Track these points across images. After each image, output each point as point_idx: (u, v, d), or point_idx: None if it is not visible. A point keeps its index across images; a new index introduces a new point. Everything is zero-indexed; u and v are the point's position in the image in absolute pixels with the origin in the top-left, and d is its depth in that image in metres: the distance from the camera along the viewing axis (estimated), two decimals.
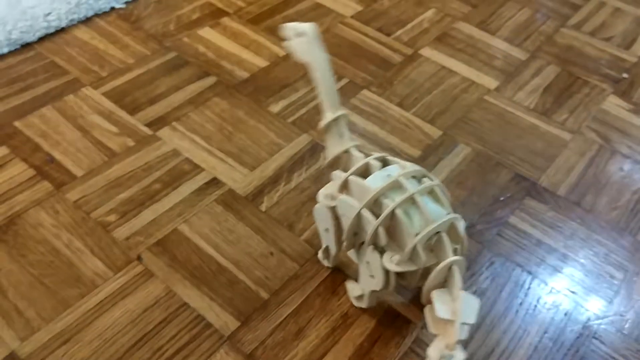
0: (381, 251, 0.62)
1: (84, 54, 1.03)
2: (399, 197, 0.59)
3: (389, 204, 0.59)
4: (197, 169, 0.86)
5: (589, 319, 0.74)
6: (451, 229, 0.61)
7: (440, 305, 0.57)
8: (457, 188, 0.88)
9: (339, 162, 0.68)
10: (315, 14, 1.18)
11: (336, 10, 1.20)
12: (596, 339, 0.72)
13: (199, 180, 0.85)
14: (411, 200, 0.60)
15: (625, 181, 0.92)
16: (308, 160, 0.89)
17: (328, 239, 0.70)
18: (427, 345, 0.69)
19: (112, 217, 0.78)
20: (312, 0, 1.21)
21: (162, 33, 1.09)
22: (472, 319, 0.56)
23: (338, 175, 0.66)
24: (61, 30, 1.07)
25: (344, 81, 1.04)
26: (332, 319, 0.71)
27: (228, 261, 0.75)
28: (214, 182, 0.85)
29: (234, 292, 0.72)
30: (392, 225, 0.60)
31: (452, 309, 0.56)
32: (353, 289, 0.72)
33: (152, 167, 0.86)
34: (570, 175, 0.92)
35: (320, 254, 0.76)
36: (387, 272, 0.62)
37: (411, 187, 0.60)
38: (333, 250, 0.71)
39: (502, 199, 0.87)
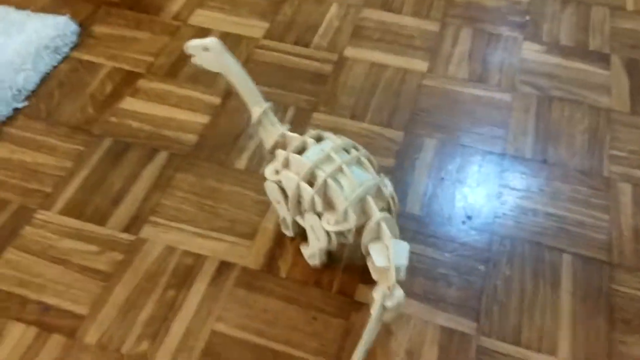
0: (319, 215, 0.74)
1: (13, 174, 0.93)
2: (329, 168, 0.71)
3: (322, 175, 0.71)
4: (199, 258, 0.83)
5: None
6: (377, 191, 0.72)
7: (376, 255, 0.68)
8: (446, 186, 0.92)
9: (278, 146, 0.78)
10: (228, 44, 1.13)
11: (245, 34, 1.16)
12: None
13: (208, 270, 0.82)
14: (340, 170, 0.71)
15: (571, 124, 1.01)
16: None
17: (281, 210, 0.81)
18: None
19: (144, 345, 0.74)
20: (217, 32, 1.16)
21: (85, 120, 1.00)
22: (403, 261, 0.67)
23: (280, 153, 0.76)
24: None
25: (291, 110, 1.02)
26: None
27: (279, 343, 0.75)
28: (224, 267, 0.82)
29: None
30: (325, 193, 0.72)
31: (386, 257, 0.67)
32: (305, 250, 0.82)
33: (154, 274, 0.81)
34: (527, 135, 0.99)
35: (280, 225, 0.85)
36: (327, 232, 0.73)
37: (339, 158, 0.71)
38: (288, 219, 0.81)
39: (484, 181, 0.93)
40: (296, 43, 1.15)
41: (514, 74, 1.09)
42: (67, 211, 0.88)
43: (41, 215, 0.87)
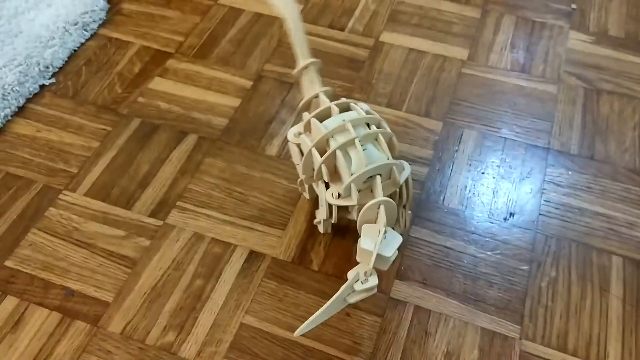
0: (327, 186, 0.71)
1: (38, 153, 0.90)
2: (342, 140, 0.68)
3: (333, 145, 0.68)
4: (229, 247, 0.79)
5: None
6: (390, 174, 0.69)
7: (365, 237, 0.63)
8: (487, 180, 0.87)
9: (310, 105, 0.76)
10: (259, 26, 1.10)
11: (277, 16, 1.12)
12: None
13: (237, 260, 0.78)
14: (352, 144, 0.68)
15: (621, 119, 0.96)
16: None
17: (299, 172, 0.78)
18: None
19: (170, 336, 0.71)
20: (249, 13, 1.12)
21: (112, 99, 0.97)
22: (389, 253, 0.63)
23: (305, 116, 0.74)
24: None
25: None
26: None
27: (310, 339, 0.71)
28: (254, 257, 0.79)
29: None
30: (334, 164, 0.69)
31: (374, 241, 0.63)
32: (317, 214, 0.79)
33: (182, 262, 0.78)
34: (573, 129, 0.94)
35: (299, 187, 0.82)
36: (329, 204, 0.71)
37: (355, 132, 0.68)
38: (305, 182, 0.78)
39: (527, 176, 0.88)
40: (331, 26, 1.10)
41: (560, 65, 1.04)
42: (93, 193, 0.85)
43: (66, 196, 0.85)
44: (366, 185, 0.68)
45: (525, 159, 0.90)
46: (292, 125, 0.93)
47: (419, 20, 1.12)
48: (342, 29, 1.10)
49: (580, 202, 0.85)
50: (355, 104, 0.73)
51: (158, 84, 1.00)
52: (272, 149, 0.91)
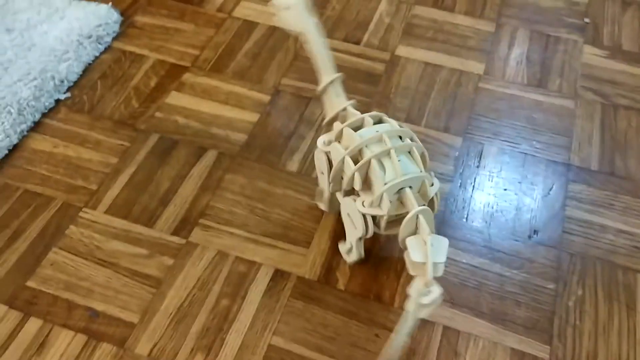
0: (355, 198, 0.72)
1: (56, 169, 0.89)
2: (377, 149, 0.69)
3: (368, 154, 0.69)
4: (253, 266, 0.79)
5: None
6: (421, 186, 0.69)
7: (413, 250, 0.63)
8: (509, 197, 0.87)
9: (338, 119, 0.76)
10: (274, 40, 1.09)
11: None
12: None
13: (263, 279, 0.78)
14: (388, 154, 0.68)
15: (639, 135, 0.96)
16: None
17: (323, 182, 0.79)
18: None
19: (198, 358, 0.70)
20: (264, 27, 1.11)
21: (129, 114, 0.96)
22: (441, 258, 0.63)
23: (337, 125, 0.74)
24: (15, 149, 0.91)
25: None
26: None
27: None
28: (279, 276, 0.78)
29: None
30: (367, 173, 0.69)
31: (424, 252, 0.63)
32: (342, 245, 0.79)
33: (206, 281, 0.77)
34: (592, 145, 0.95)
35: (316, 196, 0.83)
36: (364, 216, 0.71)
37: (390, 143, 0.69)
38: (326, 192, 0.79)
39: (550, 192, 0.88)
40: (346, 40, 1.10)
41: (576, 79, 1.04)
42: (113, 210, 0.84)
43: (87, 214, 0.84)
44: (396, 197, 0.69)
45: (547, 175, 0.90)
46: (312, 140, 0.93)
47: (434, 33, 1.12)
48: (357, 43, 1.10)
49: (602, 219, 0.85)
50: (386, 116, 0.74)
51: (175, 98, 0.99)
52: (293, 165, 0.90)
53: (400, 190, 0.68)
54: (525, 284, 0.78)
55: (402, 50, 1.09)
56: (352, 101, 0.76)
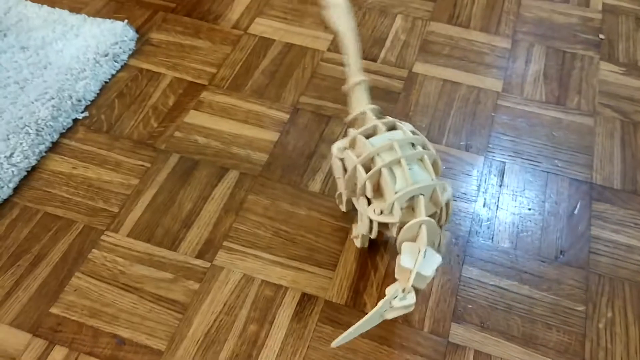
0: (369, 202, 0.72)
1: (76, 191, 0.88)
2: (388, 158, 0.69)
3: (379, 163, 0.69)
4: (279, 290, 0.78)
5: None
6: (433, 194, 0.69)
7: (405, 254, 0.64)
8: (534, 217, 0.87)
9: (357, 122, 0.78)
10: (291, 57, 1.09)
11: (309, 46, 1.11)
12: None
13: (290, 303, 0.77)
14: (398, 163, 0.69)
15: None
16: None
17: (340, 186, 0.80)
18: None
19: None
20: (280, 43, 1.11)
21: (149, 134, 0.95)
22: (428, 272, 0.63)
23: (350, 132, 0.75)
24: (34, 170, 0.90)
25: None
26: None
27: None
28: (306, 300, 0.77)
29: None
30: (378, 181, 0.70)
31: (413, 260, 0.63)
32: (354, 229, 0.81)
33: (233, 306, 0.76)
34: (614, 163, 0.94)
35: (336, 199, 0.85)
36: (370, 220, 0.72)
37: (402, 151, 0.69)
38: (344, 196, 0.80)
39: (575, 212, 0.88)
40: (363, 57, 1.10)
41: (594, 96, 1.04)
42: (136, 233, 0.83)
43: (109, 237, 0.82)
44: (408, 204, 0.69)
45: (570, 194, 0.90)
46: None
47: (450, 50, 1.12)
48: (374, 60, 1.09)
49: (628, 239, 0.85)
50: (401, 123, 0.75)
51: (194, 117, 0.98)
52: (315, 185, 0.90)
53: (412, 198, 0.69)
54: (554, 306, 0.77)
55: (420, 67, 1.08)
56: (373, 106, 0.77)
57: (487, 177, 0.92)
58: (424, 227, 0.65)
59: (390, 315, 0.64)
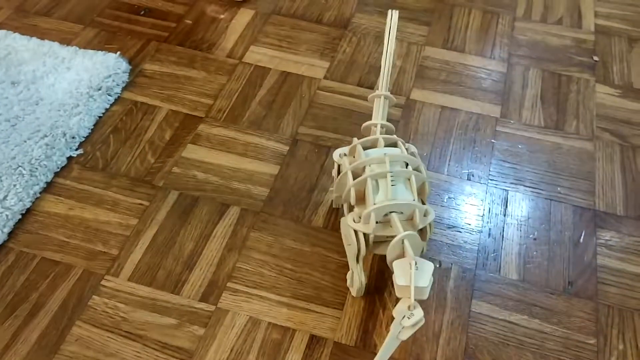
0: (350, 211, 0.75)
1: (73, 234, 0.85)
2: (376, 170, 0.72)
3: (366, 172, 0.73)
4: (287, 332, 0.76)
5: None
6: (410, 215, 0.72)
7: (398, 273, 0.66)
8: (539, 247, 0.86)
9: (367, 131, 0.82)
10: (288, 86, 1.07)
11: (305, 74, 1.10)
12: None
13: (298, 346, 0.75)
14: (384, 177, 0.72)
15: None
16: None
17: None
18: None
19: None
20: (276, 72, 1.09)
21: (146, 170, 0.93)
22: (424, 283, 0.65)
23: (354, 140, 0.78)
24: (29, 212, 0.87)
25: None
26: None
27: None
28: (315, 342, 0.76)
29: None
30: (362, 191, 0.73)
31: (408, 276, 0.65)
32: (349, 278, 0.81)
33: (240, 351, 0.74)
34: (616, 189, 0.94)
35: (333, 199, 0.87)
36: (356, 232, 0.73)
37: (391, 167, 0.72)
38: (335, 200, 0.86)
39: (580, 240, 0.87)
40: (360, 84, 1.09)
41: (592, 120, 1.05)
42: (137, 277, 0.81)
43: (109, 282, 0.80)
44: (386, 219, 0.72)
45: (575, 222, 0.89)
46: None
47: (447, 75, 1.11)
48: (371, 87, 1.08)
49: (635, 268, 0.84)
50: (403, 143, 0.78)
51: (192, 151, 0.96)
52: (319, 220, 0.88)
53: (386, 213, 0.71)
54: (565, 340, 0.77)
55: (417, 94, 1.08)
56: (385, 122, 0.80)
57: (490, 206, 0.91)
58: (406, 242, 0.68)
59: (405, 336, 0.65)
